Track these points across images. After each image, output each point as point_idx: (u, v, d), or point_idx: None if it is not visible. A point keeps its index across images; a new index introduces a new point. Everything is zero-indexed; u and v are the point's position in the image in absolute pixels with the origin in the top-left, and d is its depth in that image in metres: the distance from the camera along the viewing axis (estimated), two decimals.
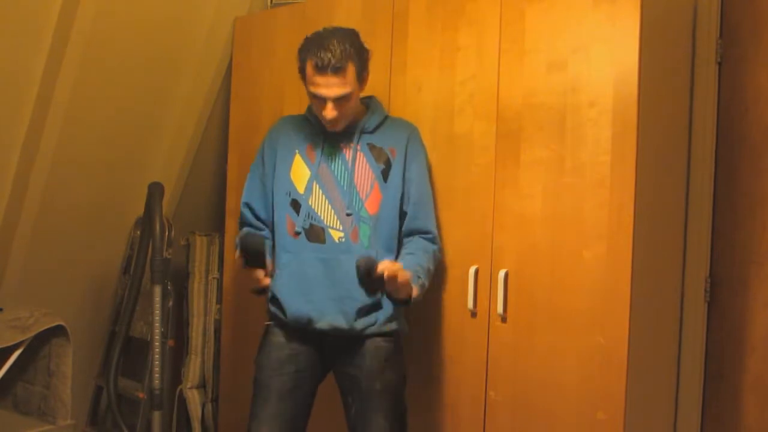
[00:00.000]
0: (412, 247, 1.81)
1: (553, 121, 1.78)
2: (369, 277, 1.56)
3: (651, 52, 1.71)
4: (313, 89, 1.72)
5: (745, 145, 2.10)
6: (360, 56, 1.73)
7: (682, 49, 2.10)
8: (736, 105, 2.12)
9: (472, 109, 1.93)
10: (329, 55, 1.65)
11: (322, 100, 1.72)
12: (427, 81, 2.02)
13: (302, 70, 1.75)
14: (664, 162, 1.98)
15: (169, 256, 2.50)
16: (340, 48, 1.67)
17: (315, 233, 1.77)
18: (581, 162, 1.73)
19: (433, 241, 1.85)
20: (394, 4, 2.09)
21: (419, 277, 1.71)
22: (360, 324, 1.74)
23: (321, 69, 1.66)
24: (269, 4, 2.68)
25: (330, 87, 1.69)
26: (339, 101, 1.72)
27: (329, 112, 1.72)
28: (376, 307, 1.76)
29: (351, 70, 1.70)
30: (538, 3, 1.82)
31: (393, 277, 1.59)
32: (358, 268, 1.55)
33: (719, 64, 2.14)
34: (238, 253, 1.77)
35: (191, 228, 2.81)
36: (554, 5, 1.79)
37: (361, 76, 1.76)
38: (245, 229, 1.90)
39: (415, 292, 1.69)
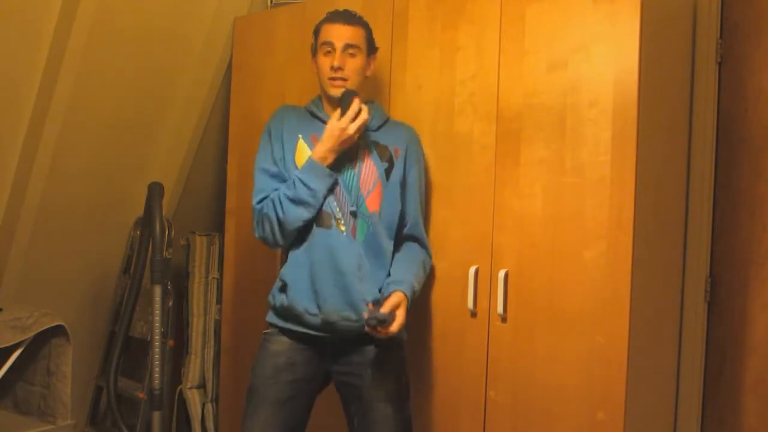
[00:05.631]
0: (410, 255, 1.84)
1: (553, 121, 1.78)
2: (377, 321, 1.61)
3: (651, 52, 1.71)
4: (323, 38, 1.79)
5: (745, 145, 2.10)
6: (370, 32, 1.84)
7: (682, 49, 2.10)
8: (736, 105, 2.12)
9: (472, 108, 1.93)
10: (343, 10, 1.82)
11: (330, 48, 1.77)
12: (427, 80, 2.02)
13: (316, 38, 1.82)
14: (664, 162, 1.98)
15: (169, 256, 2.50)
16: (353, 12, 1.83)
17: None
18: (581, 162, 1.73)
19: (425, 247, 1.88)
20: (394, 4, 2.09)
21: (409, 299, 1.71)
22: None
23: (333, 18, 1.80)
24: (269, 4, 2.68)
25: (340, 33, 1.77)
26: (347, 51, 1.77)
27: (336, 59, 1.76)
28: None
29: (361, 32, 1.81)
30: (538, 3, 1.82)
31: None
32: (368, 321, 1.61)
33: (719, 64, 2.14)
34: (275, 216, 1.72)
35: (191, 228, 2.82)
36: (554, 5, 1.79)
37: (370, 43, 1.84)
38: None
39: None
